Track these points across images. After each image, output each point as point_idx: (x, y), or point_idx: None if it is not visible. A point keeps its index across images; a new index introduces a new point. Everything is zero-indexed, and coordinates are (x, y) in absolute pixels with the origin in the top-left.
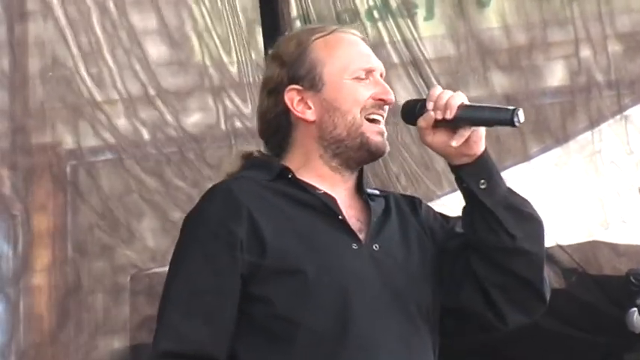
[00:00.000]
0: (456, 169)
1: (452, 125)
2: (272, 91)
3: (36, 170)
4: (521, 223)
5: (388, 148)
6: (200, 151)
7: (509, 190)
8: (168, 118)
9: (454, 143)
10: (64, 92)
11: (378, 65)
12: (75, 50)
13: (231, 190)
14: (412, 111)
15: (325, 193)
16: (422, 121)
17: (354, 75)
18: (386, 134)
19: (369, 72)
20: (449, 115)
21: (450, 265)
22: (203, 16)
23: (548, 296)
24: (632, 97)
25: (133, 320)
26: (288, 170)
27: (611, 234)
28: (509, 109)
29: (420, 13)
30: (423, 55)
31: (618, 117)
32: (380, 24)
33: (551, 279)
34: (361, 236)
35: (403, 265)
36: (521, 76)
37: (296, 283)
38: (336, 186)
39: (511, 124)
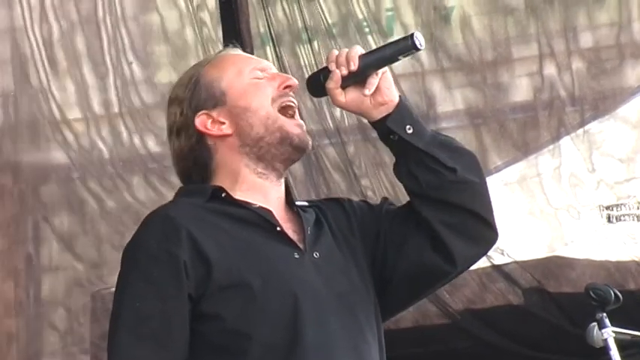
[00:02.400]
0: (379, 124)
1: (360, 78)
2: (180, 129)
3: None
4: (456, 157)
5: (310, 141)
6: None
7: (434, 131)
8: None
9: (367, 92)
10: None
11: (269, 64)
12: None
13: (167, 214)
14: (317, 80)
15: (261, 207)
16: (330, 83)
17: (251, 75)
18: (304, 127)
19: (263, 70)
20: (353, 67)
21: (390, 239)
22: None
23: (496, 225)
24: (594, 113)
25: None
26: (220, 190)
27: (570, 250)
28: (406, 37)
29: (380, 29)
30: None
31: (581, 134)
32: (340, 40)
33: (509, 296)
34: (300, 246)
35: (343, 269)
36: (485, 91)
37: (243, 296)
38: (267, 196)
39: (414, 48)
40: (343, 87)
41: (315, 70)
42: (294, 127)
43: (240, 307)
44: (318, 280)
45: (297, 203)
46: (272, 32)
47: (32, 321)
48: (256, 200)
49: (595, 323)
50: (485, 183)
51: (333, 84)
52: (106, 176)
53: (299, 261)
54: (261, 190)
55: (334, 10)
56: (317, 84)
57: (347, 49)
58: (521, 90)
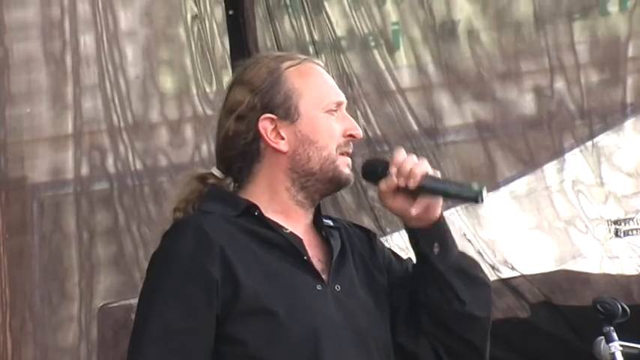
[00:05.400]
0: (410, 230)
1: (412, 192)
2: (242, 116)
3: None
4: (470, 288)
5: (352, 180)
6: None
7: (461, 254)
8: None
9: (414, 212)
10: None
11: (343, 99)
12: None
13: (201, 227)
14: (374, 171)
15: (292, 233)
16: (383, 185)
17: (327, 108)
18: (351, 164)
19: (339, 105)
20: (412, 184)
21: (408, 305)
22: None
23: (488, 353)
24: (603, 126)
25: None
26: (254, 207)
27: (577, 264)
28: (473, 189)
29: (387, 43)
30: (397, 85)
31: (590, 147)
32: (347, 54)
33: (517, 311)
34: (323, 276)
35: (363, 304)
36: (494, 105)
37: (268, 323)
38: (298, 222)
39: (474, 201)
40: (394, 191)
41: None
42: (346, 167)
43: (263, 334)
44: (338, 315)
45: (324, 222)
46: (279, 45)
47: None
48: (287, 223)
49: (602, 337)
50: (490, 318)
51: (386, 188)
52: None
53: (321, 293)
54: (294, 216)
55: (341, 24)
56: (372, 174)
57: (414, 161)
58: (529, 103)
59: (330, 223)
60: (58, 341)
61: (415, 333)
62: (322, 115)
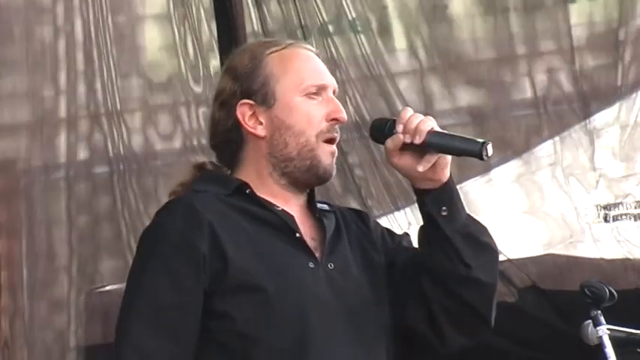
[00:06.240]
0: (418, 193)
1: (419, 149)
2: (224, 103)
3: None
4: (477, 253)
5: (334, 172)
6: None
7: (469, 217)
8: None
9: (420, 168)
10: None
11: (331, 82)
12: None
13: (191, 204)
14: (381, 130)
15: (283, 210)
16: (390, 143)
17: (306, 91)
18: (336, 154)
19: (321, 88)
20: (418, 140)
21: (397, 282)
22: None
23: (493, 320)
24: (595, 111)
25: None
26: (245, 185)
27: (566, 249)
28: (478, 142)
29: (375, 27)
30: (386, 70)
31: (581, 132)
32: (335, 38)
33: (504, 296)
34: (317, 254)
35: (357, 283)
36: (485, 89)
37: (257, 300)
38: (289, 202)
39: (479, 156)
40: (401, 149)
41: None
42: (328, 155)
43: (251, 310)
44: (330, 293)
45: (319, 206)
46: (266, 30)
47: None
48: (278, 203)
49: (590, 321)
50: (496, 283)
51: (393, 146)
52: None
53: (313, 271)
54: (283, 197)
55: (329, 8)
56: (380, 132)
57: (420, 117)
58: (521, 87)
59: (326, 207)
60: (48, 324)
61: (401, 305)
62: (299, 99)
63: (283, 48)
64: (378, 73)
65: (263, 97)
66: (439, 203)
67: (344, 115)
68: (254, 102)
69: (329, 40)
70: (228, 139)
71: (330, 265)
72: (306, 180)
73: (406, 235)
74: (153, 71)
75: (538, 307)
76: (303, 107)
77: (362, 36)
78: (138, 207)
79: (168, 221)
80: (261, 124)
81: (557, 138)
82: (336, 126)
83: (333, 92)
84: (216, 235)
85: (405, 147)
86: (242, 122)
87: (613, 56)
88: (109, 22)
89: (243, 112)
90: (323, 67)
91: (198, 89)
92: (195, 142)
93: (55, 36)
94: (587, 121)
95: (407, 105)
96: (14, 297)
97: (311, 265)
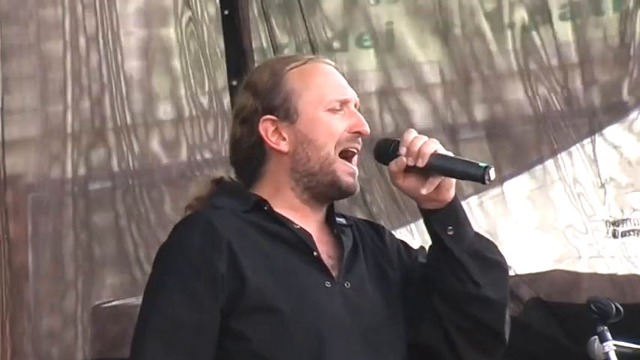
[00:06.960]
0: (424, 212)
1: (423, 172)
2: (245, 120)
3: None
4: (485, 271)
5: (358, 189)
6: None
7: (476, 235)
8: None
9: (424, 191)
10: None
11: (352, 96)
12: None
13: (210, 221)
14: (385, 151)
15: (301, 229)
16: (393, 165)
17: (329, 107)
18: (357, 174)
19: (343, 103)
20: (421, 164)
21: (412, 298)
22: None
23: (507, 336)
24: (602, 124)
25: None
26: (264, 202)
27: (573, 264)
28: (480, 166)
29: (382, 42)
30: (393, 85)
31: (589, 147)
32: (342, 54)
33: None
34: (333, 273)
35: (373, 302)
36: (492, 104)
37: (272, 320)
38: (307, 218)
39: (481, 181)
40: (405, 171)
41: None
42: (347, 175)
43: (267, 330)
44: (346, 313)
45: (337, 220)
46: (275, 46)
47: None
48: (296, 219)
49: (596, 337)
50: (507, 300)
51: (397, 169)
52: None
53: (329, 291)
54: (302, 212)
55: (335, 24)
56: (384, 153)
57: (423, 140)
58: (528, 102)
59: (343, 221)
60: (55, 339)
61: (417, 322)
62: (322, 114)
63: (303, 63)
64: (385, 89)
65: (285, 113)
66: (445, 223)
67: (366, 128)
68: (276, 117)
69: (334, 56)
70: (250, 155)
71: (347, 284)
72: (329, 194)
73: (422, 248)
74: (159, 85)
75: (543, 322)
76: (326, 121)
77: (368, 51)
78: (145, 221)
79: (187, 238)
80: (284, 139)
81: (563, 153)
82: (359, 138)
83: (355, 106)
84: (235, 255)
85: (409, 169)
86: (265, 138)
87: (621, 71)
88: (120, 37)
89: (266, 127)
90: (344, 82)
91: (206, 105)
92: (198, 157)
93: (64, 51)
94: (596, 135)
95: (412, 126)
96: (21, 312)
97: (327, 284)
